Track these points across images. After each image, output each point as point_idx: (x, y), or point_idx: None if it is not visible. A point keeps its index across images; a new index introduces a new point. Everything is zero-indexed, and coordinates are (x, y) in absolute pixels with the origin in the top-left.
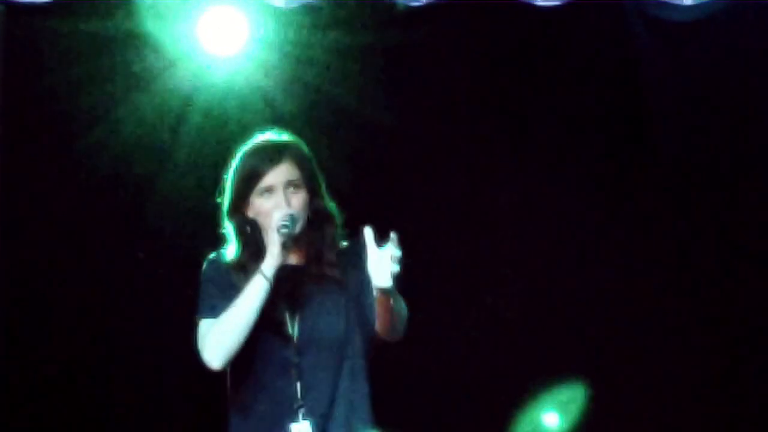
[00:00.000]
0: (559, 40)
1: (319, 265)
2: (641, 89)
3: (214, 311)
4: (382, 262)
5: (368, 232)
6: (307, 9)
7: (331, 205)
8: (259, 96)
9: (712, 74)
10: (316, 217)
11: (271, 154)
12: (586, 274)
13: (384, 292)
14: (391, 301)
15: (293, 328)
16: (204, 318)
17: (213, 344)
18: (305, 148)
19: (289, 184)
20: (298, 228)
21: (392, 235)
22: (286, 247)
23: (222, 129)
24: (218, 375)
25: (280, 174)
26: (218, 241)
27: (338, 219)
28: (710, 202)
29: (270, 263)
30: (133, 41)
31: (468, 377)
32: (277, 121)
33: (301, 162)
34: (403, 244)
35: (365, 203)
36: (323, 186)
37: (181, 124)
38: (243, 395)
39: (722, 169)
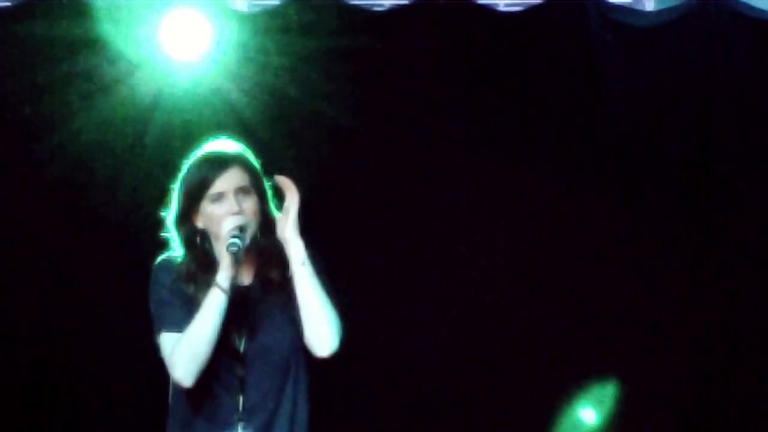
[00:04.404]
0: (521, 44)
1: (267, 280)
2: (604, 93)
3: (178, 325)
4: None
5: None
6: (270, 13)
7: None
8: (222, 100)
9: (674, 78)
10: (265, 225)
11: (220, 162)
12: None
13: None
14: (306, 270)
15: (241, 343)
16: (167, 332)
17: (184, 362)
18: (251, 157)
19: (240, 190)
20: (248, 239)
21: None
22: (237, 260)
23: (185, 134)
24: (159, 386)
25: (230, 180)
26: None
27: None
28: (672, 202)
29: (224, 275)
30: (96, 46)
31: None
32: (241, 125)
33: (249, 169)
34: (364, 246)
35: (328, 206)
36: (270, 195)
37: (144, 128)
38: (185, 408)
39: (683, 169)
